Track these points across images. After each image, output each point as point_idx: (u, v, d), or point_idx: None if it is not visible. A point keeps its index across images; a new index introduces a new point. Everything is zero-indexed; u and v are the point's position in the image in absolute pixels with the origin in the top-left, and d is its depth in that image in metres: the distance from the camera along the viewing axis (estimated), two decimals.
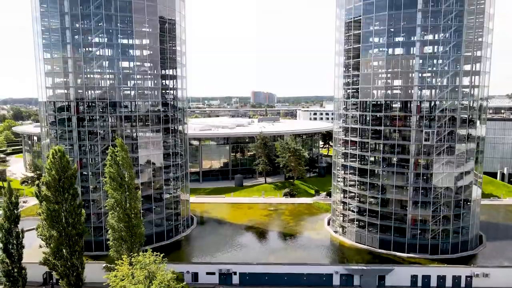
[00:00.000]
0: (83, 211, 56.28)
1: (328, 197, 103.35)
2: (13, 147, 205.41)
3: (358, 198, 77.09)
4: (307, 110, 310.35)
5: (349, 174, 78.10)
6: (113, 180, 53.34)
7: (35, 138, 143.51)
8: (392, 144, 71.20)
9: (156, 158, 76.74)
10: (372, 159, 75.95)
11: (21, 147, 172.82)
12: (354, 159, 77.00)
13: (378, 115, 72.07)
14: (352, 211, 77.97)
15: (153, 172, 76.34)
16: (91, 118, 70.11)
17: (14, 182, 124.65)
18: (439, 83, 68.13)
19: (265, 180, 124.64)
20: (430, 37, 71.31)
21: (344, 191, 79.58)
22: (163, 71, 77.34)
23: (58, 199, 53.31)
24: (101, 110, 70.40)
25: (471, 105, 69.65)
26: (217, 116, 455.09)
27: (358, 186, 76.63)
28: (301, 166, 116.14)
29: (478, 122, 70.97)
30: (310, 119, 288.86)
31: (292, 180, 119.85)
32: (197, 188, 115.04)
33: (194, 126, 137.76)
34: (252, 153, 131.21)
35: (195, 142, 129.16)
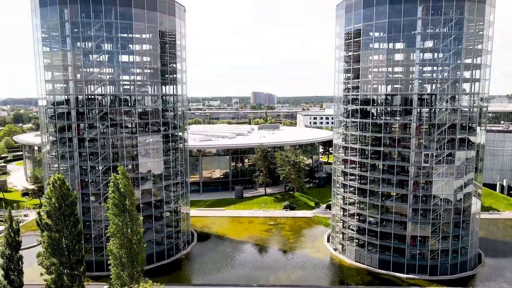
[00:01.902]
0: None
1: (328, 210, 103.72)
2: (13, 153, 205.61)
3: (357, 217, 77.43)
4: (307, 115, 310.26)
5: (349, 192, 78.36)
6: (115, 206, 53.62)
7: (36, 148, 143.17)
8: (391, 164, 71.57)
9: (157, 177, 77.00)
10: (371, 178, 76.08)
11: (22, 153, 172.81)
12: (354, 177, 77.32)
13: (377, 136, 72.31)
14: (352, 229, 78.28)
15: (154, 190, 76.57)
16: (92, 138, 70.43)
17: (15, 193, 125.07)
18: (438, 106, 68.28)
19: (265, 191, 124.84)
20: (429, 57, 72.11)
21: (344, 210, 79.88)
22: (163, 88, 77.69)
23: (59, 227, 53.59)
24: (102, 131, 70.66)
25: (470, 124, 70.13)
26: (217, 118, 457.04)
27: (358, 205, 76.98)
28: (301, 179, 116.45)
29: (477, 136, 71.34)
30: (310, 123, 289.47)
31: (292, 192, 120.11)
32: (198, 200, 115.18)
33: (194, 137, 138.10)
34: (252, 162, 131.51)
35: (196, 151, 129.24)
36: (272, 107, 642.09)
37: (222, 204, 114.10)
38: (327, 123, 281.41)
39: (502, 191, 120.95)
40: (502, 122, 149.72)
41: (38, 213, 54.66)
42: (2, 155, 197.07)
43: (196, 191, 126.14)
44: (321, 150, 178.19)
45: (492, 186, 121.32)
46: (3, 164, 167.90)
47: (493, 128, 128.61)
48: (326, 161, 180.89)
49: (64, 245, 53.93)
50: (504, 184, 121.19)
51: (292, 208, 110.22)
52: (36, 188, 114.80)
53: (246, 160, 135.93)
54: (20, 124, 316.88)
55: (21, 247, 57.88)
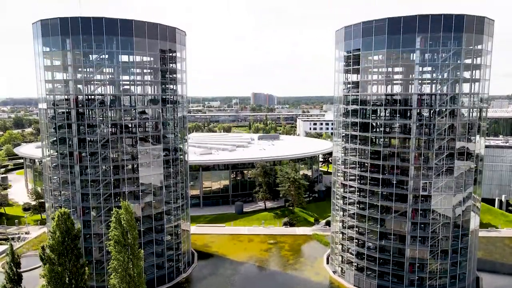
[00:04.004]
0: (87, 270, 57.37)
1: (328, 226, 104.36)
2: (14, 161, 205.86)
3: (356, 241, 78.06)
4: (307, 120, 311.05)
5: (348, 216, 79.03)
6: (117, 243, 54.24)
7: (37, 161, 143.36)
8: (390, 192, 72.20)
9: (158, 201, 77.59)
10: (370, 203, 76.66)
11: (22, 161, 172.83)
12: (353, 200, 77.94)
13: (376, 163, 72.91)
14: (351, 253, 78.90)
15: (155, 214, 77.16)
16: (93, 166, 71.02)
17: (16, 209, 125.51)
18: (437, 135, 68.78)
19: (265, 205, 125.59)
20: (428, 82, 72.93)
21: (343, 233, 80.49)
22: (163, 110, 78.33)
23: (61, 261, 54.29)
24: (104, 157, 71.27)
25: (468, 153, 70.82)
26: (217, 121, 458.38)
27: (357, 229, 77.67)
28: (301, 195, 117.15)
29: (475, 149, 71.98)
30: (310, 129, 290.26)
31: (292, 208, 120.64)
32: (198, 216, 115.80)
33: (194, 150, 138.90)
34: (252, 175, 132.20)
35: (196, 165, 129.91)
36: (272, 109, 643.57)
37: (222, 220, 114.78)
38: (327, 128, 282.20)
39: (500, 207, 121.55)
40: (501, 136, 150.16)
41: (42, 247, 55.21)
42: (2, 164, 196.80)
43: (197, 205, 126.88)
44: (320, 158, 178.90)
45: (491, 201, 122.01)
46: (4, 175, 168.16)
47: (491, 143, 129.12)
48: (326, 170, 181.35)
49: (67, 279, 54.61)
50: (503, 199, 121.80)
51: (292, 225, 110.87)
52: (37, 204, 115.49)
53: (246, 172, 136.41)
54: (21, 130, 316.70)
55: (22, 270, 59.04)
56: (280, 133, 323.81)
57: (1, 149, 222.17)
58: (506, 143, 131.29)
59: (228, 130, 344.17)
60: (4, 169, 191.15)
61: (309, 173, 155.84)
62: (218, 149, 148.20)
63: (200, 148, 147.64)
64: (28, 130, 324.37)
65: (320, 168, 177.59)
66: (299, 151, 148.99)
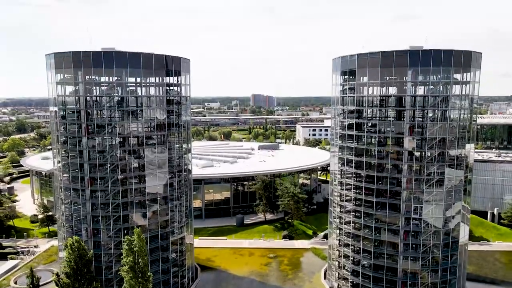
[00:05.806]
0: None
1: (325, 239, 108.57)
2: (18, 168, 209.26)
3: (352, 258, 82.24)
4: (306, 126, 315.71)
5: (343, 235, 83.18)
6: (131, 268, 58.33)
7: (43, 173, 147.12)
8: (383, 214, 76.39)
9: (164, 221, 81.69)
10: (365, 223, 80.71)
11: (27, 168, 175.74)
12: (348, 220, 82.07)
13: (370, 187, 77.10)
14: (347, 270, 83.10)
15: (161, 234, 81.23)
16: (103, 189, 75.11)
17: (24, 221, 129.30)
18: (428, 156, 72.89)
19: (265, 217, 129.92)
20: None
21: (339, 251, 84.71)
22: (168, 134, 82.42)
23: (76, 285, 58.50)
24: (113, 181, 75.36)
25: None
26: (218, 124, 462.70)
27: (352, 247, 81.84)
28: (300, 209, 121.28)
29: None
30: (309, 135, 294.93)
31: (291, 221, 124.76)
32: (201, 228, 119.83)
33: (196, 162, 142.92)
34: (253, 189, 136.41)
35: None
36: (271, 111, 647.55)
37: (224, 232, 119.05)
38: (326, 135, 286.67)
39: (493, 220, 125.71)
40: (494, 149, 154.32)
41: (57, 274, 59.40)
42: (8, 171, 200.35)
43: (199, 217, 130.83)
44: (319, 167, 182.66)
45: (484, 214, 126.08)
46: (9, 185, 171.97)
47: (484, 157, 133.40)
48: (325, 179, 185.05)
49: None
50: (495, 212, 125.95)
51: (291, 238, 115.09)
52: (44, 217, 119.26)
53: (247, 183, 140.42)
54: (24, 136, 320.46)
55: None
56: (280, 138, 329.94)
57: (6, 156, 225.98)
58: (498, 156, 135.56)
59: (228, 135, 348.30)
60: (9, 177, 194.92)
61: (308, 182, 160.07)
62: (220, 161, 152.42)
63: (201, 160, 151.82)
64: (31, 135, 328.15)
65: (319, 177, 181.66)
66: (298, 164, 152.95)
